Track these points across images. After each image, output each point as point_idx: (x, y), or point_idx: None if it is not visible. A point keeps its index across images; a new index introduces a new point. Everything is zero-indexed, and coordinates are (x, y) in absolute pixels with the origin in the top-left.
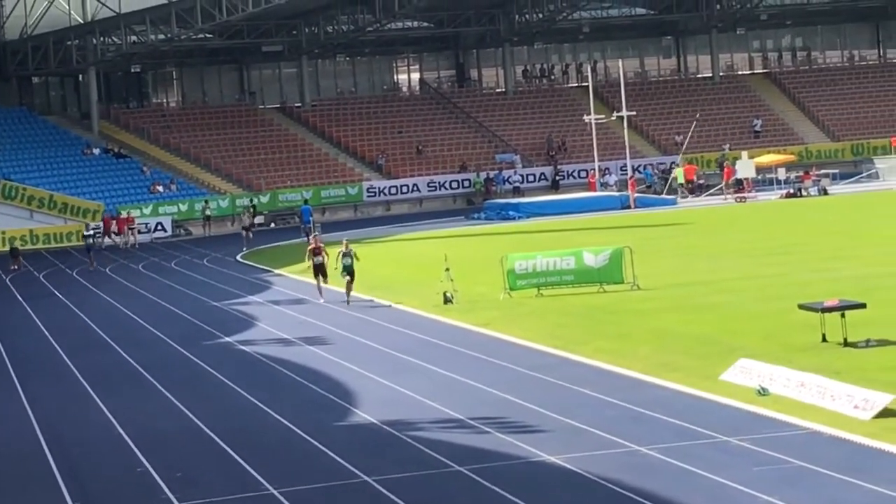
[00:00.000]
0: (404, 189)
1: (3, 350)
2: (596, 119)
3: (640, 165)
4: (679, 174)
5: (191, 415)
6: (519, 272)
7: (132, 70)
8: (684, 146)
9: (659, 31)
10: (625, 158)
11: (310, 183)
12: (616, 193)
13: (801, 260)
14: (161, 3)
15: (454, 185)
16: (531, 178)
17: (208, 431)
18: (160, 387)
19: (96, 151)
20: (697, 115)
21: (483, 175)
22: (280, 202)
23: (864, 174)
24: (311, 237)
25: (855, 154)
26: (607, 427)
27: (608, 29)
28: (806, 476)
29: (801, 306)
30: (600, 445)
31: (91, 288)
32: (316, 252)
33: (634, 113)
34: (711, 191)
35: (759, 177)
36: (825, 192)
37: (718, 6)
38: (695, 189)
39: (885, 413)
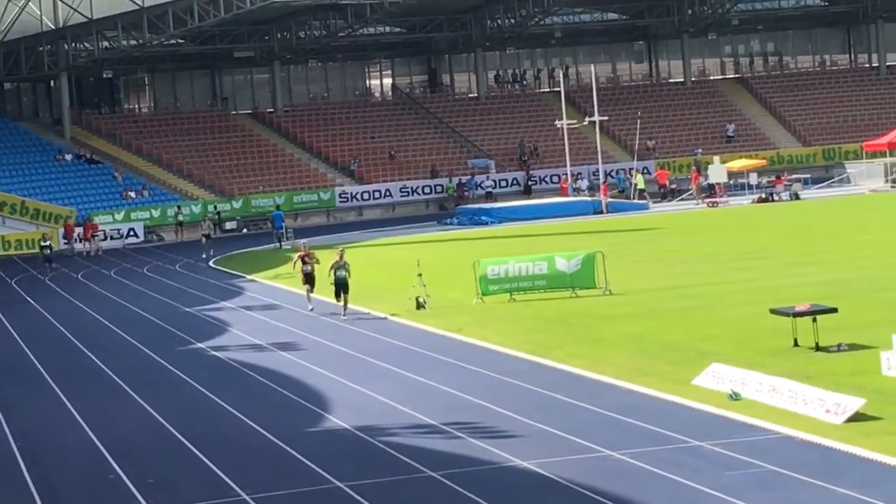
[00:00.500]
0: (377, 194)
1: None
2: (568, 124)
3: (612, 170)
4: (640, 180)
5: (163, 420)
6: (491, 277)
7: (104, 76)
8: (636, 150)
9: (631, 36)
10: (597, 163)
11: (282, 188)
12: (588, 198)
13: (773, 265)
14: (133, 8)
15: (427, 190)
16: (503, 183)
17: (181, 437)
18: (132, 392)
19: (68, 157)
20: (639, 113)
21: (455, 180)
22: (252, 207)
23: (836, 179)
24: (301, 245)
25: (826, 159)
26: (579, 432)
27: (580, 34)
28: (778, 480)
29: (772, 311)
30: (572, 450)
31: (63, 294)
32: (304, 260)
33: (606, 118)
34: (683, 196)
35: (731, 182)
36: (797, 197)
37: (690, 11)
38: (667, 194)
39: (857, 417)
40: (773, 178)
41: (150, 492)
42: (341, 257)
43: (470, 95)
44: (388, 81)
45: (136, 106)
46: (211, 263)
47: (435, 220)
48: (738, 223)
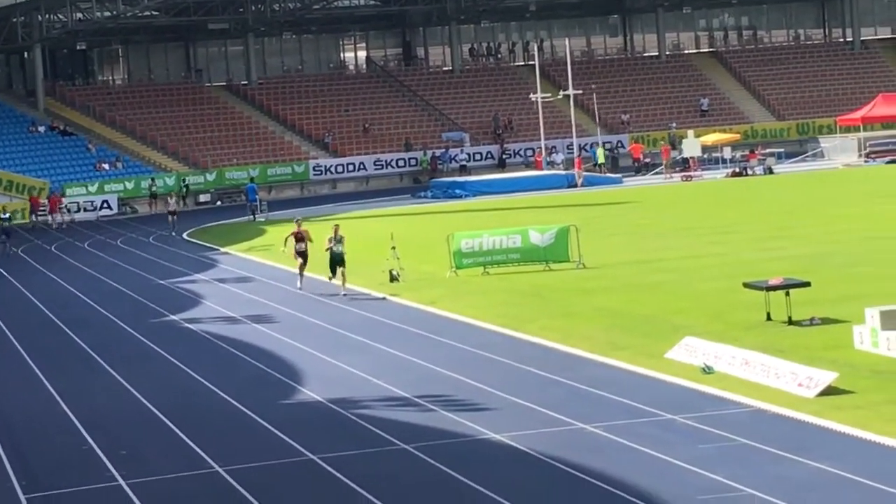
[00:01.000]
0: (351, 167)
1: None
2: (542, 98)
3: (586, 144)
4: (600, 154)
5: (136, 393)
6: (465, 251)
7: (78, 47)
8: (598, 124)
9: (605, 9)
10: (571, 137)
11: (256, 161)
12: (562, 172)
13: (746, 239)
14: None
15: (401, 163)
16: (477, 156)
17: (154, 409)
18: (105, 365)
19: (42, 129)
20: (593, 87)
21: (429, 153)
22: (226, 180)
23: (810, 153)
24: (295, 220)
25: (800, 133)
26: (552, 405)
27: (555, 7)
28: (750, 454)
29: (745, 285)
30: (545, 423)
31: (36, 266)
32: (299, 238)
33: (581, 91)
34: (657, 169)
35: (705, 156)
36: (770, 171)
37: None
38: (641, 168)
39: (829, 391)
40: (746, 153)
41: (122, 463)
42: (336, 232)
43: (444, 68)
44: (362, 54)
45: (110, 78)
46: (184, 236)
47: (409, 193)
48: (711, 197)
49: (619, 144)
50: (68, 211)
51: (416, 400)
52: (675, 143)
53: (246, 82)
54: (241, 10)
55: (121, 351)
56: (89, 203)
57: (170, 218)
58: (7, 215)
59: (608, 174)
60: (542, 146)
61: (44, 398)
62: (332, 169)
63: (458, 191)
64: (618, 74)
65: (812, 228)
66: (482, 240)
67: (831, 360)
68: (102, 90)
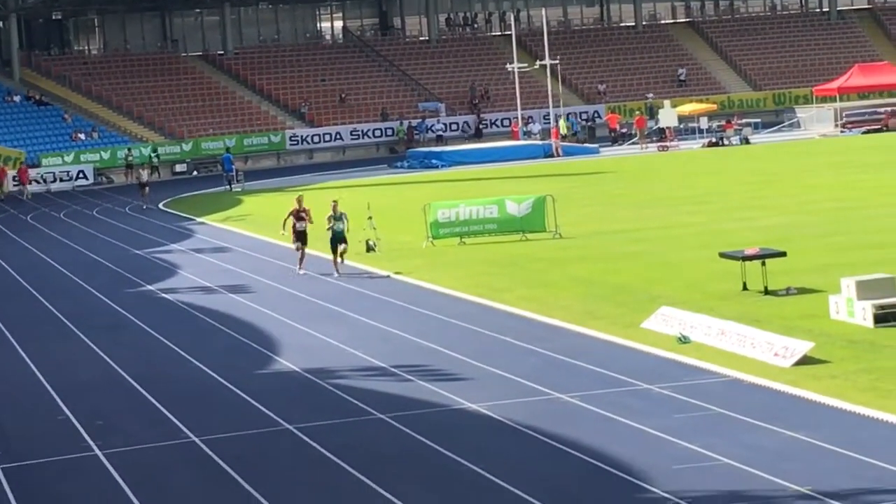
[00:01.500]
0: (327, 137)
1: None
2: (519, 68)
3: (563, 114)
4: (562, 125)
5: (112, 363)
6: (442, 221)
7: (53, 17)
8: (559, 95)
9: None
10: (548, 107)
11: (233, 131)
12: (539, 142)
13: (723, 209)
14: None
15: (377, 133)
16: (454, 126)
17: (130, 379)
18: (81, 335)
19: (17, 99)
20: (558, 59)
21: (406, 123)
22: (202, 150)
23: (786, 123)
24: (296, 198)
25: (776, 103)
26: (529, 374)
27: None
28: (726, 423)
29: (722, 255)
30: (522, 393)
31: (12, 236)
32: (300, 216)
33: (557, 61)
34: (634, 139)
35: (681, 126)
36: (747, 142)
37: None
38: (617, 138)
39: (805, 360)
40: (723, 123)
41: (98, 433)
42: (335, 209)
43: (421, 38)
44: (339, 24)
45: (86, 48)
46: (161, 206)
47: (385, 163)
48: (688, 167)
49: (596, 114)
50: (44, 181)
51: (393, 370)
52: (652, 114)
53: (222, 52)
54: None
55: (97, 321)
56: (65, 173)
57: (144, 190)
58: None
59: (586, 144)
60: (519, 116)
61: (19, 368)
62: (309, 139)
63: (434, 161)
64: (594, 45)
65: (788, 198)
66: (459, 210)
67: (807, 330)
68: (78, 60)
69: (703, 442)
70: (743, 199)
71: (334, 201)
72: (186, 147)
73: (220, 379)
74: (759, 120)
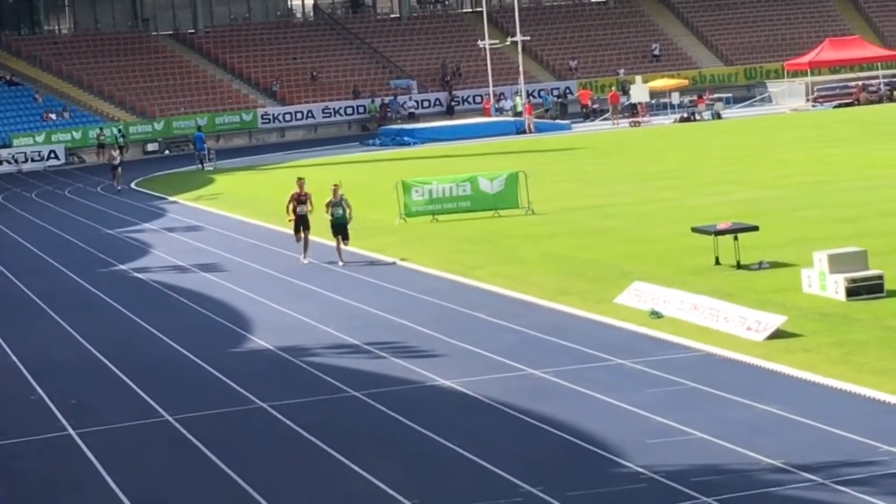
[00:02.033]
0: (299, 115)
1: None
2: (490, 44)
3: (535, 90)
4: (518, 102)
5: (85, 342)
6: (415, 198)
7: None
8: (521, 73)
9: None
10: (519, 84)
11: (204, 110)
12: (511, 119)
13: (695, 184)
14: None
15: (349, 111)
16: (426, 103)
17: (103, 359)
18: (54, 315)
19: None
20: (518, 38)
21: (378, 101)
22: (174, 129)
23: (757, 98)
24: (297, 181)
25: (748, 78)
26: (502, 351)
27: None
28: (699, 398)
29: (694, 229)
30: (495, 369)
31: None
32: (301, 200)
33: (529, 38)
34: (606, 115)
35: (653, 101)
36: (718, 117)
37: None
38: (589, 114)
39: (778, 334)
40: (694, 98)
41: (72, 413)
42: (335, 193)
43: (392, 16)
44: (309, 2)
45: (57, 27)
46: (133, 185)
47: (357, 140)
48: (659, 143)
49: (568, 91)
50: (15, 161)
51: (366, 347)
52: (624, 89)
53: (193, 31)
54: None
55: (70, 300)
56: (37, 153)
57: (117, 172)
58: None
59: (558, 121)
60: (491, 93)
61: None
62: (281, 117)
63: (406, 138)
64: (566, 21)
65: (760, 173)
66: (432, 187)
67: (780, 304)
68: (49, 40)
69: (676, 416)
70: (715, 174)
71: (335, 185)
72: (158, 126)
73: (193, 357)
74: (730, 95)
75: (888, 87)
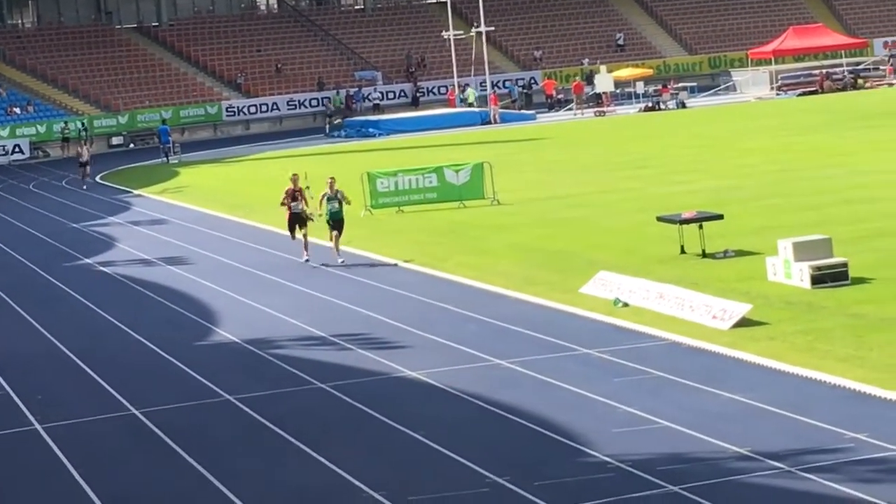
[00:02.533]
0: (264, 108)
1: None
2: (455, 35)
3: (499, 81)
4: (470, 94)
5: (51, 337)
6: (381, 190)
7: None
8: (472, 63)
9: None
10: (484, 74)
11: (168, 103)
12: (476, 109)
13: (660, 173)
14: None
15: (314, 103)
16: (391, 94)
17: (69, 353)
18: (19, 309)
19: None
20: (472, 31)
21: (342, 93)
22: (139, 122)
23: (722, 87)
24: (291, 177)
25: (712, 67)
26: (469, 342)
27: None
28: (665, 386)
29: (659, 218)
30: (462, 360)
31: None
32: (294, 196)
33: (493, 28)
34: (570, 105)
35: (618, 91)
36: (683, 106)
37: None
38: (554, 104)
39: (743, 322)
40: (659, 87)
41: (38, 408)
42: (332, 186)
43: (356, 7)
44: None
45: (20, 21)
46: (97, 179)
47: (322, 132)
48: (624, 132)
49: (532, 81)
50: None
51: (333, 339)
52: (588, 79)
53: (157, 24)
54: None
55: (35, 294)
56: (1, 147)
57: (86, 170)
58: None
59: (523, 111)
60: (455, 84)
61: None
62: (246, 110)
63: (371, 129)
64: (530, 11)
65: (725, 162)
66: (398, 179)
67: (745, 292)
68: (12, 34)
69: (642, 405)
70: (680, 163)
71: (331, 178)
72: (122, 119)
73: (159, 351)
74: (694, 84)
75: (852, 75)
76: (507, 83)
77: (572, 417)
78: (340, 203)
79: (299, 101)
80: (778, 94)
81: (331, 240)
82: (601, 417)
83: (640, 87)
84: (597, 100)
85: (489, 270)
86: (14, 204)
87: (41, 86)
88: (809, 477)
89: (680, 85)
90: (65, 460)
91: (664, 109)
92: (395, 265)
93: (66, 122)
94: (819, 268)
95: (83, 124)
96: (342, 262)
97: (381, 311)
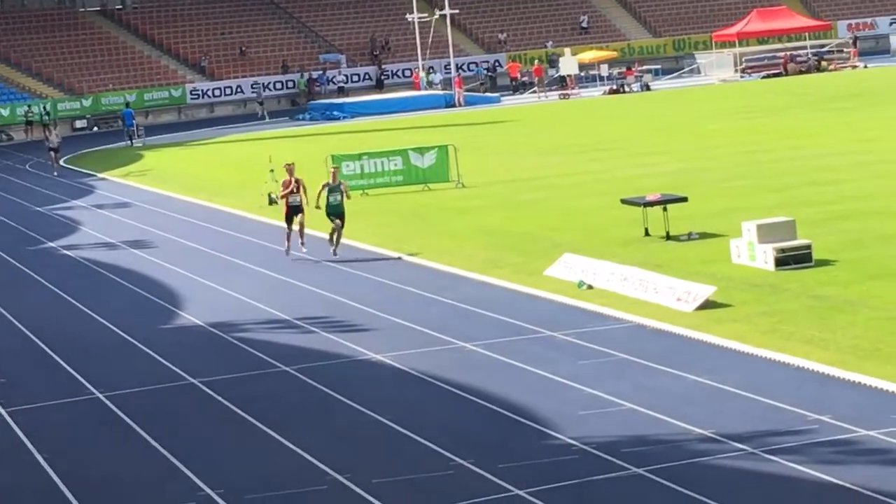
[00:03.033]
0: (228, 91)
1: None
2: (419, 18)
3: (464, 63)
4: (423, 78)
5: (14, 320)
6: (346, 173)
7: None
8: (428, 47)
9: None
10: (448, 57)
11: (133, 86)
12: (440, 92)
13: (624, 155)
14: None
15: (278, 86)
16: (355, 77)
17: (33, 337)
18: None
19: None
20: (438, 14)
21: (307, 76)
22: (103, 106)
23: (686, 69)
24: (285, 167)
25: (676, 49)
26: (433, 324)
27: None
28: (630, 368)
29: (623, 201)
30: (426, 343)
31: None
32: (292, 189)
33: (457, 11)
34: (533, 88)
35: (582, 73)
36: (647, 88)
37: None
38: (518, 87)
39: (707, 305)
40: (623, 70)
41: (2, 391)
42: (334, 177)
43: None
44: None
45: None
46: (61, 162)
47: (287, 115)
48: (589, 115)
49: (497, 63)
50: None
51: (297, 322)
52: (551, 62)
53: (121, 6)
54: None
55: None
56: None
57: (55, 155)
58: None
59: (488, 94)
60: (420, 66)
61: None
62: (210, 93)
63: (336, 113)
64: None
65: (689, 144)
66: (363, 162)
67: (709, 275)
68: None
69: (607, 388)
70: (644, 146)
71: (334, 167)
72: (86, 103)
73: (123, 335)
74: (659, 66)
75: (816, 58)
76: (473, 66)
77: (537, 400)
78: (342, 195)
79: (264, 83)
80: (742, 77)
81: (331, 235)
82: (566, 400)
83: (604, 70)
84: (561, 82)
85: (454, 253)
86: None
87: (5, 69)
88: (773, 459)
89: (644, 67)
90: (29, 444)
91: (628, 92)
92: (399, 258)
93: (29, 106)
94: (783, 250)
95: (45, 108)
96: (336, 256)
97: (346, 295)
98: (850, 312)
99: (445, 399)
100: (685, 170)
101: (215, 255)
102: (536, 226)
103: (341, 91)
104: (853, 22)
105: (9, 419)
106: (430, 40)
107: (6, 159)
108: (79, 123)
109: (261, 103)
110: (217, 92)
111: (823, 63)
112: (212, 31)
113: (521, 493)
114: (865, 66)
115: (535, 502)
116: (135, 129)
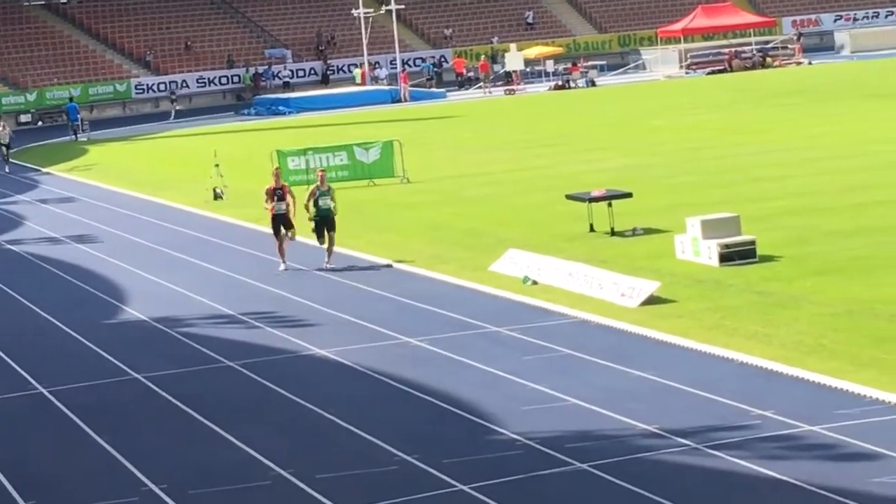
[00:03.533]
0: (173, 85)
1: None
2: (365, 13)
3: (409, 59)
4: (356, 74)
5: None
6: (292, 168)
7: None
8: (366, 46)
9: None
10: (394, 52)
11: (77, 80)
12: (386, 87)
13: (569, 151)
14: None
15: (223, 80)
16: (301, 72)
17: None
18: None
19: None
20: (384, 9)
21: (252, 70)
22: (47, 100)
23: (631, 65)
24: (273, 171)
25: (622, 45)
26: (378, 320)
27: None
28: (574, 364)
29: (568, 197)
30: (371, 338)
31: None
32: (279, 195)
33: (403, 6)
34: (479, 84)
35: (528, 69)
36: (593, 84)
37: None
38: (464, 82)
39: (652, 300)
40: (568, 66)
41: None
42: (322, 181)
43: None
44: None
45: None
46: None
47: (232, 110)
48: (534, 110)
49: (443, 59)
50: None
51: (241, 317)
52: (495, 58)
53: (65, 1)
54: None
55: None
56: None
57: (5, 151)
58: None
59: (433, 89)
60: (366, 62)
61: None
62: (155, 87)
63: (281, 107)
64: None
65: (634, 140)
66: (308, 157)
67: (654, 270)
68: None
69: (551, 383)
70: (589, 142)
71: (321, 171)
72: (31, 97)
73: (66, 329)
74: (604, 62)
75: (760, 54)
76: (419, 61)
77: (481, 395)
78: (332, 199)
79: (209, 78)
80: (687, 73)
81: (322, 242)
82: (510, 395)
83: (549, 66)
84: (507, 78)
85: (399, 248)
86: None
87: None
88: (716, 454)
89: (589, 63)
90: None
91: (574, 88)
92: (390, 265)
93: None
94: (727, 245)
95: None
96: (328, 264)
97: (290, 289)
98: (794, 308)
99: (390, 394)
100: (630, 166)
101: (159, 250)
102: (482, 221)
103: (287, 86)
104: (798, 18)
105: None
106: (367, 35)
107: None
108: (23, 118)
109: (173, 101)
110: (162, 86)
111: (768, 59)
112: (157, 25)
113: (465, 488)
114: (810, 63)
115: (479, 497)
116: (80, 123)
